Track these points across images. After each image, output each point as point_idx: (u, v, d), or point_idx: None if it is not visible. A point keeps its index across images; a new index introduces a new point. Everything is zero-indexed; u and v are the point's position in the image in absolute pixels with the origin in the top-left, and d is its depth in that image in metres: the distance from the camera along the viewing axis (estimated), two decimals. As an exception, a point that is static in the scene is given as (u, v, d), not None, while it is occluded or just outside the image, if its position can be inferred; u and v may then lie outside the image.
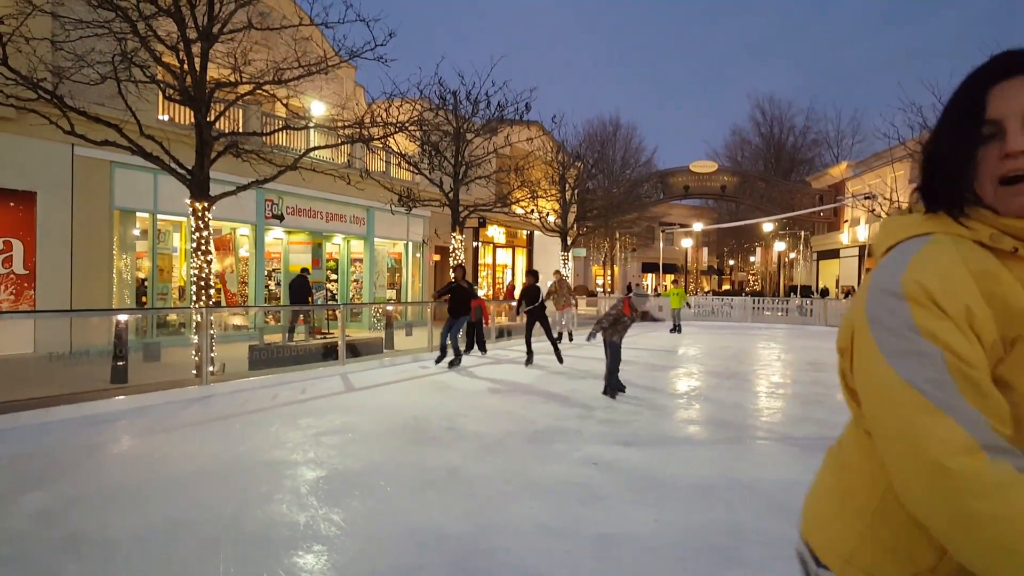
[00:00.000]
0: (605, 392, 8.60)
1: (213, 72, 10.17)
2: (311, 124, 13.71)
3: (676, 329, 20.28)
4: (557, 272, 16.38)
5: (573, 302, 16.12)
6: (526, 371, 11.03)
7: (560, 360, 11.58)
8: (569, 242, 21.90)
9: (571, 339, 15.85)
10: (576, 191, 22.51)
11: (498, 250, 27.70)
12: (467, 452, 5.69)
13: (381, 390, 9.03)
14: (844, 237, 34.96)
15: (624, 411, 7.60)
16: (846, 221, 35.25)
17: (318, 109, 17.13)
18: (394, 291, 20.62)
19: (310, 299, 14.56)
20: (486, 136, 15.76)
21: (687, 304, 21.66)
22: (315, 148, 11.57)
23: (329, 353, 10.68)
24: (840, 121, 75.61)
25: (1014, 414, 0.88)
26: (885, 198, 21.94)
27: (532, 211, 20.56)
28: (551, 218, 21.82)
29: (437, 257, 21.92)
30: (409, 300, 20.47)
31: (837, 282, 35.96)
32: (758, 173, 44.69)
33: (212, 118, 9.52)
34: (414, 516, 4.14)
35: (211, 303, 9.44)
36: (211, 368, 8.77)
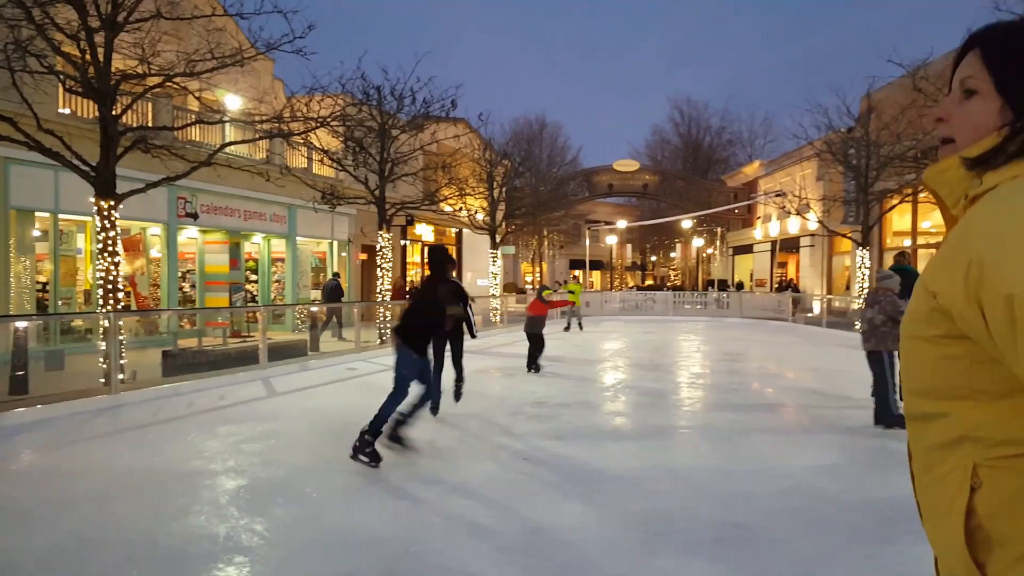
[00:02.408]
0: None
1: (119, 63, 9.59)
2: (226, 119, 13.17)
3: (570, 327, 19.35)
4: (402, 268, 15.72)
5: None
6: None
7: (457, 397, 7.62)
8: (498, 240, 21.93)
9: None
10: (504, 189, 22.56)
11: (427, 248, 27.48)
12: (397, 454, 5.60)
13: (306, 394, 8.78)
14: (757, 233, 36.46)
15: (553, 406, 7.67)
16: (759, 218, 36.78)
17: (234, 103, 16.48)
18: (319, 292, 20.12)
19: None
20: (412, 133, 15.55)
21: (586, 303, 21.08)
22: (231, 143, 11.13)
23: (249, 357, 10.28)
24: (753, 122, 78.99)
25: None
26: (795, 195, 22.98)
27: (460, 209, 20.47)
28: (480, 216, 21.79)
29: (364, 256, 21.53)
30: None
31: (751, 276, 37.51)
32: (677, 172, 46.06)
33: (118, 112, 9.00)
34: (342, 522, 4.04)
35: (120, 307, 8.93)
36: (120, 376, 8.30)
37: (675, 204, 39.30)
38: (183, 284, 15.71)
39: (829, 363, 12.11)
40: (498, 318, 20.46)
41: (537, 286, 10.95)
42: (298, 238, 18.49)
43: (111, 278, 8.79)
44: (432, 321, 5.85)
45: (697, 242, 43.88)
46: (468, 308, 6.43)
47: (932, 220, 22.48)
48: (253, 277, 17.91)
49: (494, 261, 21.95)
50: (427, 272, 6.55)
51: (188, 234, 15.78)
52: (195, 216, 15.17)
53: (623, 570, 3.39)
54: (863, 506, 4.36)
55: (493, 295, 21.52)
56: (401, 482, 4.80)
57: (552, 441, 6.01)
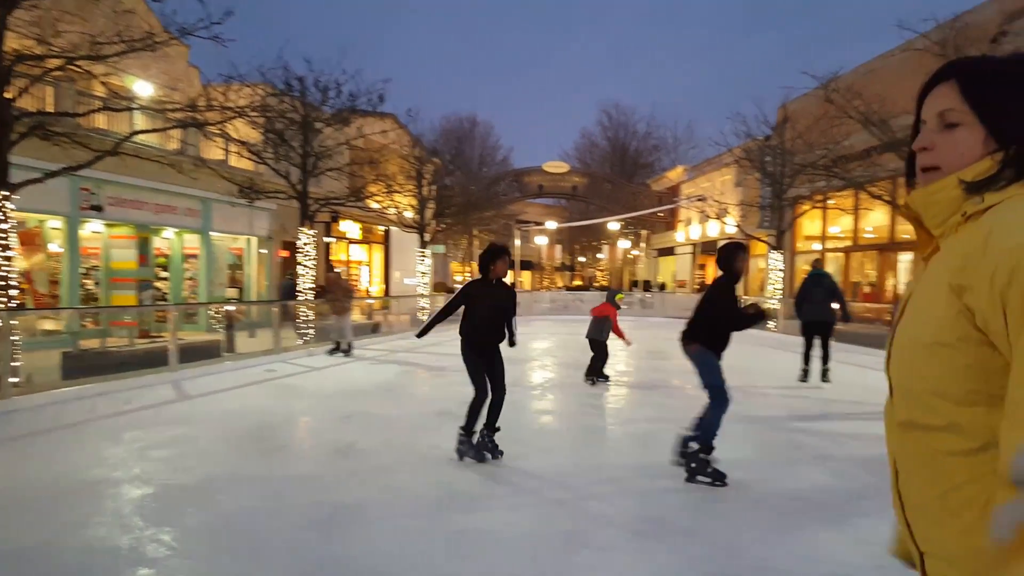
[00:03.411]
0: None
1: (14, 43, 8.89)
2: (135, 106, 12.46)
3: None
4: (332, 267, 14.68)
5: (350, 306, 13.00)
6: (385, 370, 10.76)
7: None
8: (427, 239, 21.69)
9: (349, 352, 12.46)
10: (434, 187, 22.35)
11: (353, 246, 26.91)
12: (318, 458, 5.42)
13: (220, 396, 8.39)
14: (679, 236, 37.57)
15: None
16: (681, 221, 37.91)
17: (144, 90, 15.62)
18: (236, 290, 19.34)
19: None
20: (337, 126, 15.16)
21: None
22: (140, 132, 10.53)
23: (158, 358, 9.74)
24: (677, 128, 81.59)
25: None
26: (715, 200, 23.81)
27: (388, 206, 20.12)
28: (408, 214, 21.48)
29: (285, 253, 20.85)
30: (253, 299, 19.30)
31: (674, 277, 38.64)
32: (605, 175, 46.96)
33: (13, 95, 8.35)
34: (258, 529, 3.85)
35: (12, 305, 8.29)
36: (14, 379, 7.70)
37: (603, 206, 40.05)
38: (86, 281, 14.76)
39: (744, 360, 12.53)
40: (427, 318, 20.25)
41: (610, 287, 9.64)
42: (213, 233, 17.71)
43: (4, 274, 8.15)
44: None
45: (623, 244, 44.81)
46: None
47: (840, 226, 23.71)
48: (163, 274, 17.02)
49: (423, 260, 21.72)
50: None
51: (92, 228, 14.84)
52: (100, 209, 14.28)
53: (545, 569, 3.38)
54: (775, 496, 4.51)
55: (422, 294, 21.30)
56: (323, 488, 4.63)
57: (478, 441, 5.94)
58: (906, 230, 18.90)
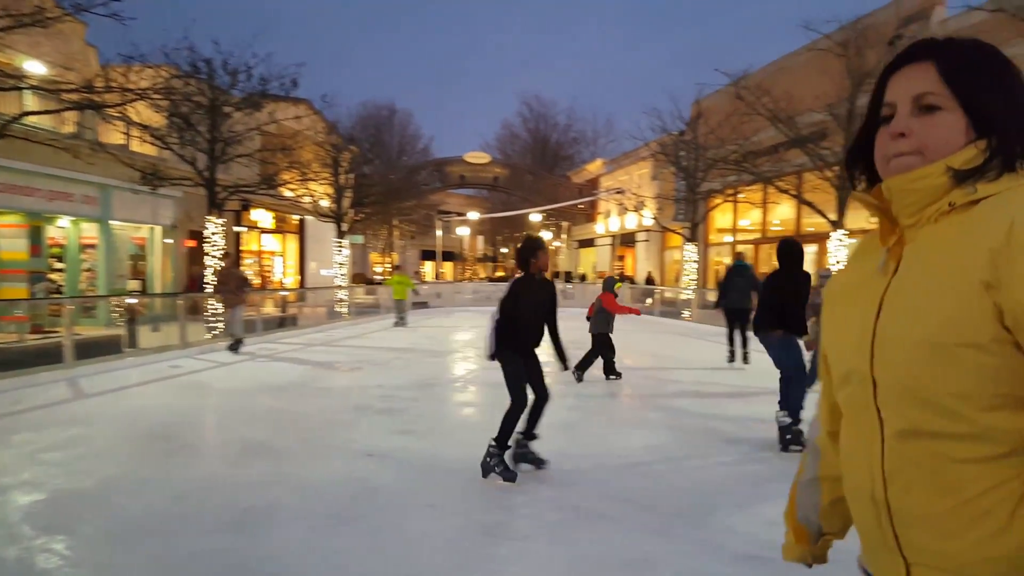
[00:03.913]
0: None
1: None
2: (24, 85, 11.52)
3: (400, 322, 17.38)
4: (227, 255, 13.42)
5: (244, 298, 11.87)
6: (299, 364, 10.42)
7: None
8: (345, 228, 21.16)
9: (237, 348, 11.47)
10: (351, 175, 21.80)
11: (265, 236, 25.94)
12: (227, 458, 5.18)
13: (121, 395, 7.91)
14: (599, 228, 38.32)
15: (403, 399, 7.49)
16: (600, 213, 38.66)
17: (35, 68, 14.46)
18: (139, 282, 18.28)
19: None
20: (247, 111, 14.52)
21: (415, 291, 18.96)
22: (30, 113, 9.76)
23: (52, 355, 9.08)
24: (596, 122, 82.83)
25: None
26: (633, 193, 24.38)
27: (303, 195, 19.49)
28: (324, 203, 20.87)
29: (192, 243, 19.86)
30: (158, 291, 18.31)
31: (594, 268, 39.39)
32: (527, 166, 47.23)
33: None
34: (161, 536, 3.64)
35: None
36: None
37: (524, 197, 40.28)
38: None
39: (662, 349, 12.95)
40: (345, 310, 19.80)
41: (604, 277, 8.69)
42: (113, 222, 16.65)
43: None
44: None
45: (545, 235, 45.23)
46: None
47: (750, 219, 24.76)
48: (58, 265, 15.88)
49: (340, 250, 21.20)
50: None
51: (-24, 216, 13.69)
52: (-15, 195, 13.18)
53: (464, 561, 3.35)
54: (689, 483, 4.64)
55: (340, 286, 20.79)
56: (232, 489, 4.42)
57: (400, 435, 5.86)
58: (811, 223, 19.93)
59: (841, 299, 1.07)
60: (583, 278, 35.80)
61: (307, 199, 19.79)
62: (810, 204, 15.24)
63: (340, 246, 21.12)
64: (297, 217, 26.41)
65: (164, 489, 4.38)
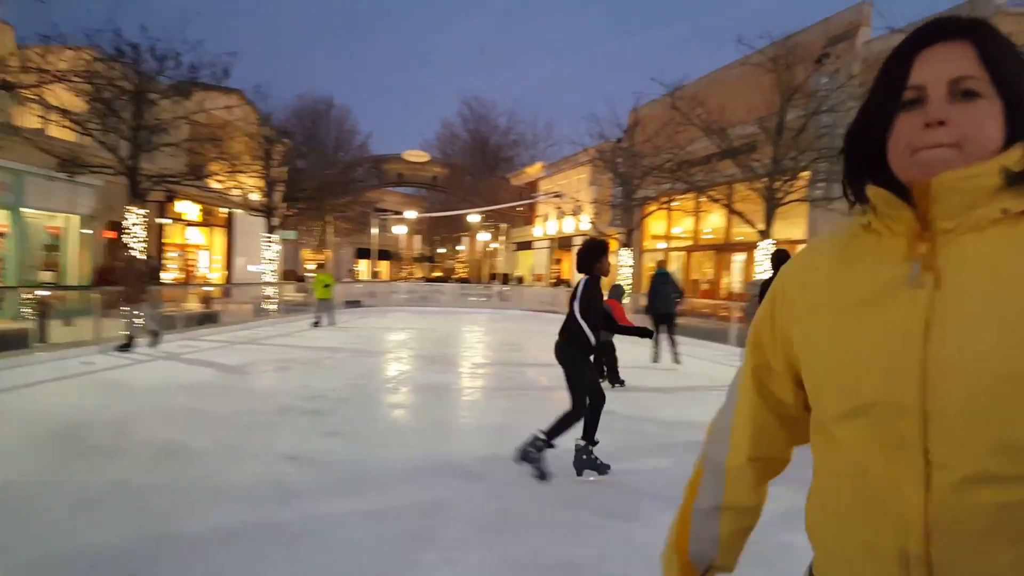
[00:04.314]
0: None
1: None
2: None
3: (318, 323, 16.43)
4: (126, 246, 12.37)
5: (146, 293, 11.12)
6: (223, 363, 10.02)
7: None
8: (276, 223, 20.54)
9: (129, 347, 10.62)
10: (284, 169, 21.20)
11: (191, 229, 24.90)
12: (140, 460, 4.90)
13: (28, 392, 7.42)
14: (537, 231, 38.56)
15: (330, 401, 7.29)
16: (539, 216, 38.92)
17: (-60, 43, 13.45)
18: (52, 273, 17.24)
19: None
20: (175, 99, 13.92)
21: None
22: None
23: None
24: (536, 125, 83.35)
25: None
26: (571, 197, 24.67)
27: (232, 187, 18.82)
28: (255, 196, 20.21)
29: (112, 234, 18.86)
30: (73, 284, 17.30)
31: (531, 271, 39.62)
32: (466, 167, 47.11)
33: None
34: (67, 542, 3.40)
35: None
36: None
37: (463, 198, 40.15)
38: None
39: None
40: (273, 307, 19.23)
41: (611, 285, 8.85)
42: (26, 210, 15.65)
43: None
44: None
45: (483, 236, 45.23)
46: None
47: (682, 226, 25.41)
48: (-37, 254, 14.82)
49: (270, 246, 20.57)
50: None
51: None
52: None
53: (390, 570, 3.26)
54: (621, 485, 4.68)
55: (268, 282, 20.18)
56: (145, 493, 4.18)
57: (326, 437, 5.69)
58: (740, 232, 20.59)
59: (843, 313, 0.88)
60: (520, 281, 35.94)
61: (236, 192, 19.14)
62: (740, 214, 15.73)
63: (270, 241, 20.50)
64: (225, 210, 25.51)
65: (68, 494, 4.10)
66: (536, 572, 3.28)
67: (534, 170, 41.40)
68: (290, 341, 13.37)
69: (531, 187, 40.30)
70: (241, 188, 19.10)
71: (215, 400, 7.27)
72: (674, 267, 25.07)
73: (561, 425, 4.74)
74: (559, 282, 33.71)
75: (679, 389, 8.79)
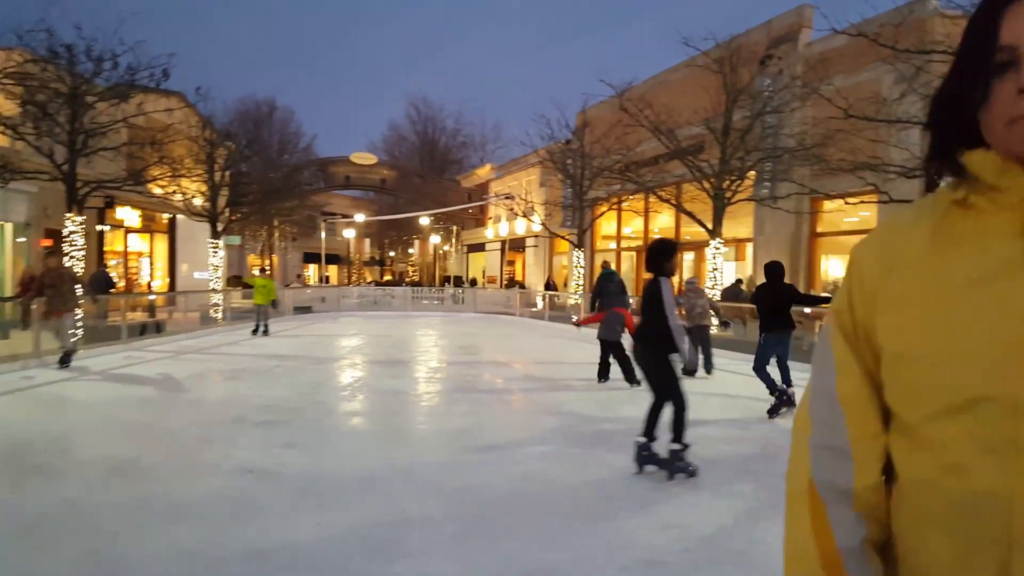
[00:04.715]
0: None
1: None
2: None
3: (258, 330, 15.74)
4: (53, 252, 11.28)
5: (74, 303, 10.18)
6: (171, 374, 9.68)
7: None
8: (220, 228, 19.98)
9: (68, 361, 9.90)
10: (228, 173, 20.62)
11: (132, 236, 24.01)
12: (88, 479, 4.70)
13: (-41, 412, 7.02)
14: (489, 232, 38.53)
15: (284, 410, 7.13)
16: (490, 218, 38.90)
17: None
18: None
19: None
20: (113, 102, 13.39)
21: (273, 303, 16.73)
22: None
23: None
24: (485, 127, 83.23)
25: None
26: (522, 198, 24.70)
27: (174, 192, 18.22)
28: (198, 201, 19.61)
29: (48, 242, 18.04)
30: (7, 295, 16.48)
31: (483, 273, 39.57)
32: (415, 169, 46.74)
33: None
34: (12, 569, 3.23)
35: None
36: None
37: (413, 201, 39.79)
38: None
39: (552, 353, 13.16)
40: (220, 315, 18.69)
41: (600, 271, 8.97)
42: (-47, 218, 14.85)
43: None
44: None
45: (434, 239, 44.96)
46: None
47: (632, 227, 25.76)
48: None
49: (215, 252, 20.02)
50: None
51: None
52: None
53: (359, 582, 3.19)
54: (586, 489, 4.67)
55: (214, 289, 19.62)
56: (93, 514, 4.00)
57: (282, 449, 5.55)
58: (689, 231, 20.99)
59: (946, 300, 0.78)
60: (473, 283, 35.87)
61: (178, 197, 18.55)
62: (689, 213, 16.02)
63: (215, 247, 19.94)
64: (167, 216, 24.71)
65: (12, 518, 3.90)
66: (509, 578, 3.24)
67: (484, 172, 41.36)
68: (239, 350, 13.03)
69: (481, 189, 40.25)
70: (184, 193, 18.49)
71: (164, 413, 7.03)
72: (626, 267, 25.42)
73: (679, 425, 4.81)
74: (512, 283, 33.79)
75: (638, 388, 8.85)
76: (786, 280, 7.64)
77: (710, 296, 11.96)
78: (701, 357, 9.96)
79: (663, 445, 4.90)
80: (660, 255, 4.95)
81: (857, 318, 0.87)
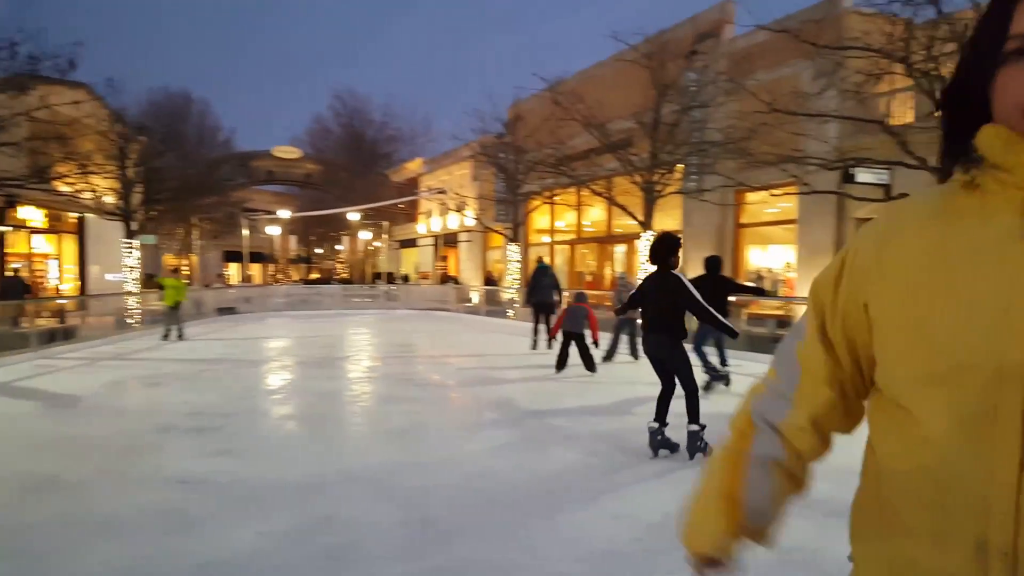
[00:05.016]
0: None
1: None
2: None
3: (169, 335, 14.39)
4: None
5: None
6: (87, 382, 9.06)
7: None
8: (135, 228, 18.92)
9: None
10: (142, 169, 19.54)
11: (36, 236, 22.45)
12: (6, 496, 4.34)
13: None
14: (421, 228, 38.11)
15: (215, 416, 6.79)
16: (422, 213, 38.47)
17: None
18: None
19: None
20: (12, 94, 12.46)
21: (175, 305, 14.77)
22: None
23: None
24: (414, 120, 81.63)
25: None
26: (455, 193, 24.51)
27: (83, 190, 17.13)
28: (109, 199, 18.51)
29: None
30: None
31: (416, 269, 39.13)
32: (342, 163, 45.66)
33: None
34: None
35: None
36: None
37: (340, 196, 38.89)
38: None
39: (491, 348, 13.10)
40: (137, 319, 17.73)
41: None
42: None
43: None
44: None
45: (364, 235, 44.14)
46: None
47: (565, 220, 26.00)
48: None
49: (130, 252, 18.97)
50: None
51: None
52: None
53: (310, 594, 3.04)
54: (535, 483, 4.64)
55: (130, 292, 18.59)
56: (12, 535, 3.68)
57: (216, 457, 5.28)
58: (620, 225, 21.35)
59: (938, 270, 0.79)
60: (406, 279, 35.39)
61: (88, 195, 17.46)
62: (621, 206, 16.27)
63: (130, 247, 18.90)
64: (76, 215, 23.27)
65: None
66: (468, 579, 3.18)
67: (414, 166, 40.84)
68: (160, 354, 12.37)
69: (412, 183, 39.72)
70: (94, 191, 17.41)
71: (85, 424, 6.59)
72: (560, 260, 25.64)
73: (694, 407, 5.06)
74: (446, 279, 33.53)
75: (581, 380, 8.92)
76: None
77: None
78: (630, 346, 10.38)
79: (660, 432, 5.21)
80: (666, 250, 5.20)
81: (840, 292, 0.90)
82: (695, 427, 5.06)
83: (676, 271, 5.20)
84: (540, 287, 12.11)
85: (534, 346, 12.09)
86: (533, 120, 20.18)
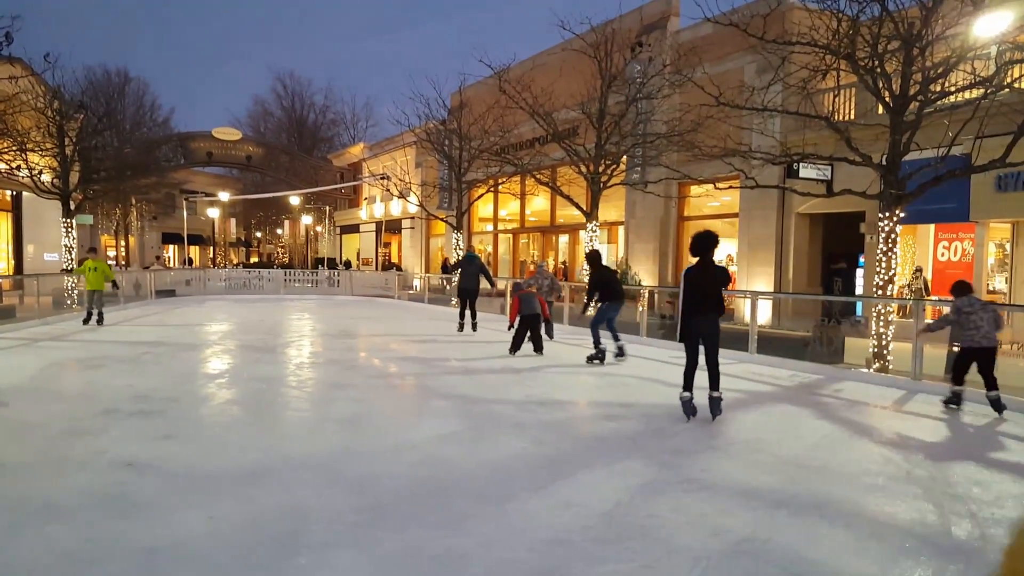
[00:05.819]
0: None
1: None
2: None
3: (90, 319, 13.49)
4: None
5: None
6: (24, 365, 8.76)
7: None
8: (72, 207, 18.21)
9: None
10: (79, 147, 18.78)
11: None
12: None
13: None
14: (363, 213, 37.65)
15: (159, 400, 6.72)
16: (365, 199, 38.01)
17: None
18: None
19: None
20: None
21: (114, 284, 14.66)
22: None
23: None
24: (355, 105, 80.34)
25: None
26: (399, 179, 24.24)
27: (19, 167, 16.41)
28: (46, 177, 17.75)
29: None
30: None
31: (358, 255, 38.67)
32: (283, 146, 44.59)
33: None
34: None
35: None
36: None
37: (281, 179, 38.01)
38: None
39: (435, 335, 13.21)
40: (75, 299, 17.13)
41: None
42: None
43: None
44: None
45: (306, 219, 43.32)
46: None
47: (508, 209, 26.16)
48: None
49: (68, 232, 18.28)
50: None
51: None
52: None
53: (258, 576, 3.11)
54: (485, 470, 4.71)
55: (67, 271, 17.93)
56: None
57: (161, 441, 5.26)
58: (564, 215, 21.64)
59: None
60: (348, 265, 34.95)
61: (24, 172, 16.74)
62: (567, 196, 16.50)
63: (67, 227, 18.21)
64: (11, 193, 22.22)
65: None
66: (421, 565, 3.22)
67: (356, 151, 40.24)
68: (100, 336, 12.04)
69: (354, 168, 39.14)
70: (31, 168, 16.70)
71: (24, 406, 6.45)
72: (503, 248, 25.82)
73: (717, 376, 6.01)
74: (389, 266, 33.30)
75: (528, 368, 9.08)
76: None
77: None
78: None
79: (691, 399, 6.09)
80: (711, 245, 6.04)
81: None
82: (716, 393, 5.96)
83: (720, 263, 6.34)
84: (465, 274, 12.92)
85: (460, 328, 13.01)
86: (478, 107, 20.15)
